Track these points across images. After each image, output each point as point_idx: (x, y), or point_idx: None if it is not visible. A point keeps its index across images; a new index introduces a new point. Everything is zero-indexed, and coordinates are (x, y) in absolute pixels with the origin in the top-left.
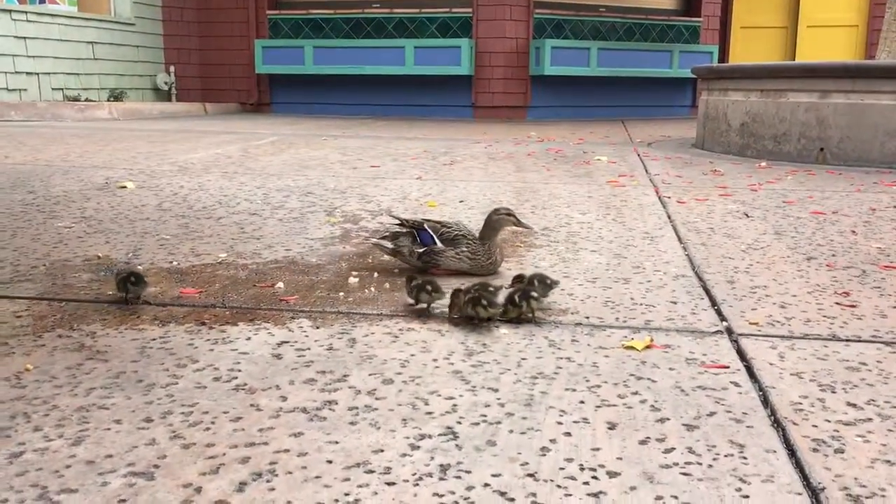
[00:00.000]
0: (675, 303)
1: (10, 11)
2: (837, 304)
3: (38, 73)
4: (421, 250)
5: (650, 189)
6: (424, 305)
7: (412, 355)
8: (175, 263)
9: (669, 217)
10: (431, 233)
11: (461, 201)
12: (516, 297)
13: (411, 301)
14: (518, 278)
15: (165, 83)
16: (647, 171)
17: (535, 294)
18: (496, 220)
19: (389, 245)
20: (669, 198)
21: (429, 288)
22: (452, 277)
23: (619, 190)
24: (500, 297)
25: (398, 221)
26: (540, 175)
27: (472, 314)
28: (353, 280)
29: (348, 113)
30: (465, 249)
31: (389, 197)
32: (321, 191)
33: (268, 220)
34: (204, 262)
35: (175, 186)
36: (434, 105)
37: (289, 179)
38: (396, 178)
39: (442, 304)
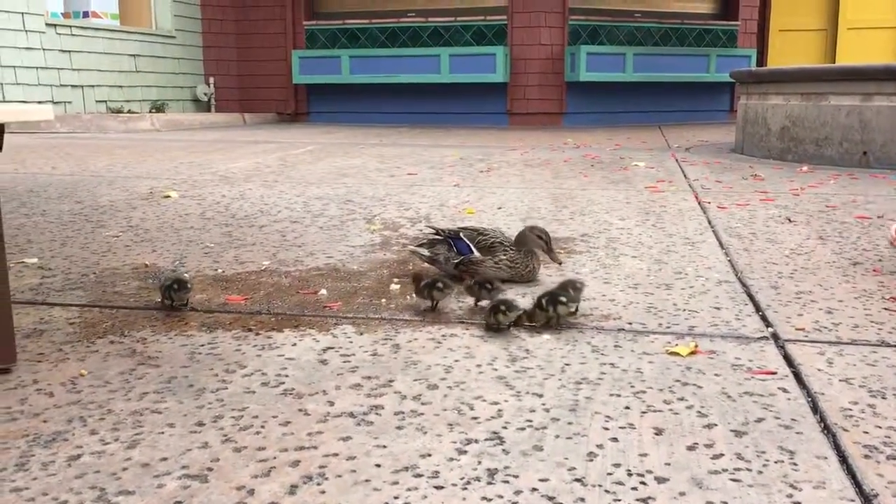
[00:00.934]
0: (718, 308)
1: (55, 26)
2: (886, 309)
3: (82, 86)
4: (457, 260)
5: (689, 194)
6: (430, 303)
7: (456, 361)
8: (220, 271)
9: (710, 222)
10: (468, 241)
11: (499, 208)
12: (544, 302)
13: (426, 303)
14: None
15: (205, 94)
16: (685, 176)
17: (563, 299)
18: (529, 238)
19: (426, 253)
20: (709, 203)
21: (440, 285)
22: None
23: (657, 195)
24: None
25: (434, 230)
26: (577, 181)
27: (493, 322)
28: (394, 287)
29: (385, 121)
30: (503, 258)
31: (427, 204)
32: (360, 199)
33: (309, 228)
34: (248, 270)
35: (217, 195)
36: (470, 113)
37: (328, 188)
38: (434, 186)
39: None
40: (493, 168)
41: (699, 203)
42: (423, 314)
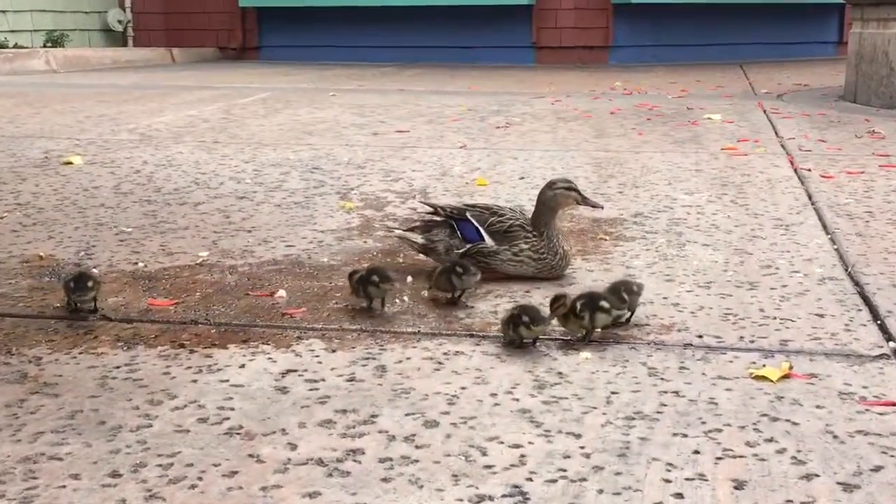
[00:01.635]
0: (821, 315)
1: None
2: None
3: None
4: (462, 249)
5: (782, 159)
6: (365, 304)
7: (463, 388)
8: (141, 265)
9: (810, 197)
10: (477, 224)
11: (521, 178)
12: (579, 306)
13: (363, 302)
14: (558, 300)
15: (119, 22)
16: (777, 133)
17: (605, 304)
18: (552, 198)
19: (420, 240)
20: (810, 171)
21: (375, 279)
22: (507, 282)
23: (738, 161)
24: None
25: (432, 209)
26: (628, 141)
27: (514, 337)
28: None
29: (365, 59)
30: (525, 247)
31: (424, 173)
32: (331, 165)
33: (261, 206)
34: (179, 264)
35: (137, 162)
36: (482, 47)
37: (287, 151)
38: (433, 148)
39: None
40: (514, 123)
41: (795, 171)
42: (417, 324)
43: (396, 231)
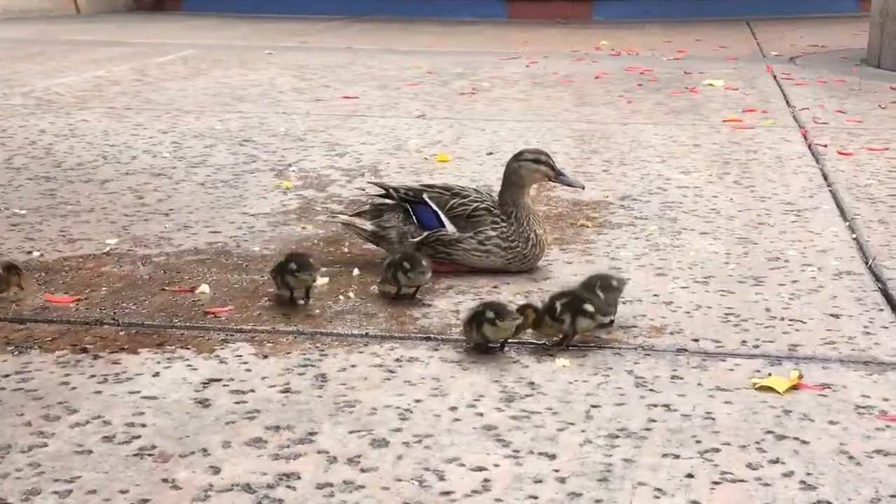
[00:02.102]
0: (836, 316)
1: None
2: None
3: None
4: (419, 237)
5: (794, 132)
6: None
7: (417, 401)
8: (36, 255)
9: (826, 178)
10: (435, 207)
11: (489, 153)
12: (559, 307)
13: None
14: (526, 309)
15: None
16: (788, 103)
17: (589, 307)
18: (515, 170)
19: (369, 226)
20: (826, 146)
21: (293, 266)
22: (472, 276)
23: (743, 134)
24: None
25: (383, 190)
26: (616, 111)
27: (478, 339)
28: (320, 281)
29: (307, 10)
30: (492, 234)
31: (374, 147)
32: (266, 137)
33: (182, 185)
34: (82, 253)
35: (32, 131)
36: None
37: (213, 119)
38: (386, 117)
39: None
40: (482, 88)
41: (809, 146)
42: (364, 326)
43: (341, 216)
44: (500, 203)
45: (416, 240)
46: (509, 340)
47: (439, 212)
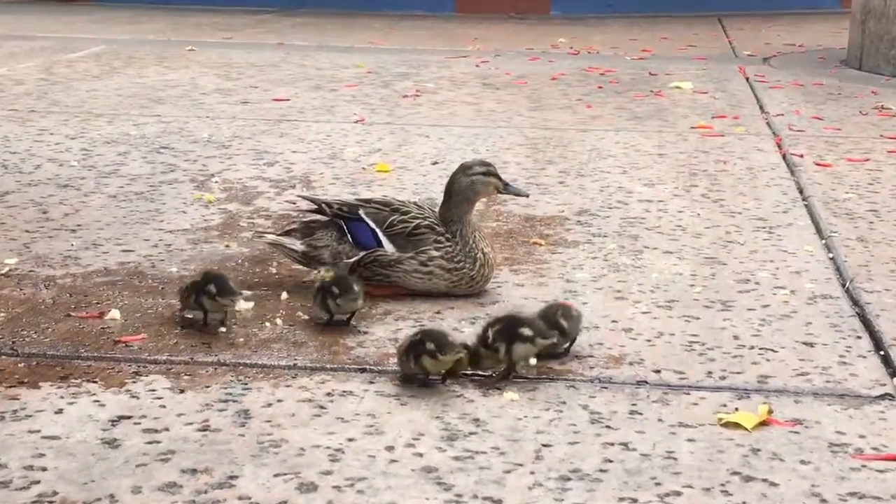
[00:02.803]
0: (810, 344)
1: None
2: None
3: None
4: (355, 258)
5: (768, 141)
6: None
7: (350, 440)
8: None
9: (801, 191)
10: (373, 224)
11: (434, 163)
12: (491, 334)
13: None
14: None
15: None
16: (762, 108)
17: (527, 331)
18: (468, 186)
19: (299, 246)
20: (802, 157)
21: (211, 290)
22: (412, 300)
23: (712, 143)
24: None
25: (315, 204)
26: (574, 116)
27: (416, 371)
28: (244, 305)
29: (232, 3)
30: (435, 255)
31: (307, 156)
32: (186, 144)
33: (91, 198)
34: None
35: None
36: None
37: (128, 123)
38: (320, 122)
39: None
40: (427, 91)
41: (784, 156)
42: (292, 356)
43: (268, 235)
44: (443, 220)
45: (351, 260)
46: (449, 375)
47: (377, 229)
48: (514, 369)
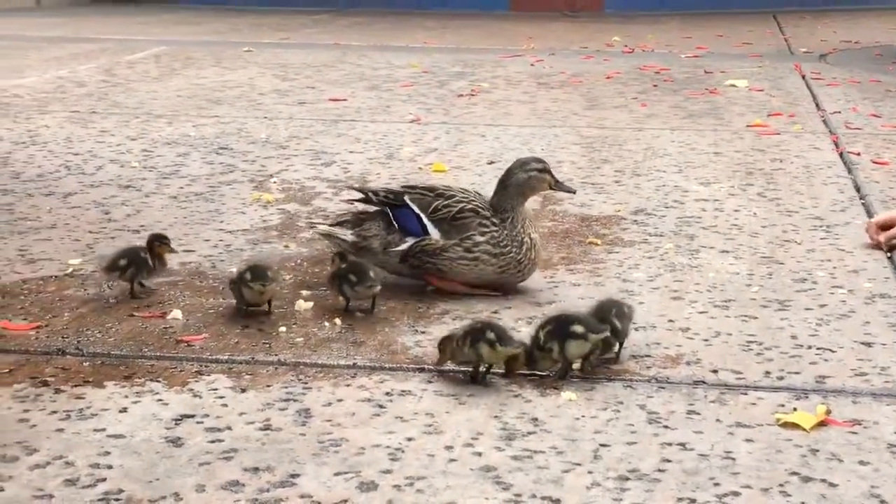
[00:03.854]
0: (869, 344)
1: None
2: None
3: None
4: (403, 247)
5: (824, 139)
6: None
7: (410, 439)
8: None
9: (859, 189)
10: (417, 210)
11: (490, 162)
12: (542, 336)
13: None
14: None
15: None
16: (818, 106)
17: (578, 329)
18: (525, 181)
19: (349, 236)
20: (859, 155)
21: (247, 277)
22: (469, 301)
23: (768, 141)
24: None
25: (362, 194)
26: (629, 115)
27: (469, 358)
28: (303, 305)
29: (288, 4)
30: (481, 239)
31: (364, 155)
32: (244, 145)
33: (152, 199)
34: (42, 274)
35: None
36: None
37: (187, 124)
38: (376, 122)
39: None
40: (483, 90)
41: (840, 155)
42: (351, 355)
43: (320, 226)
44: (495, 208)
45: (399, 249)
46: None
47: (422, 215)
48: (571, 368)
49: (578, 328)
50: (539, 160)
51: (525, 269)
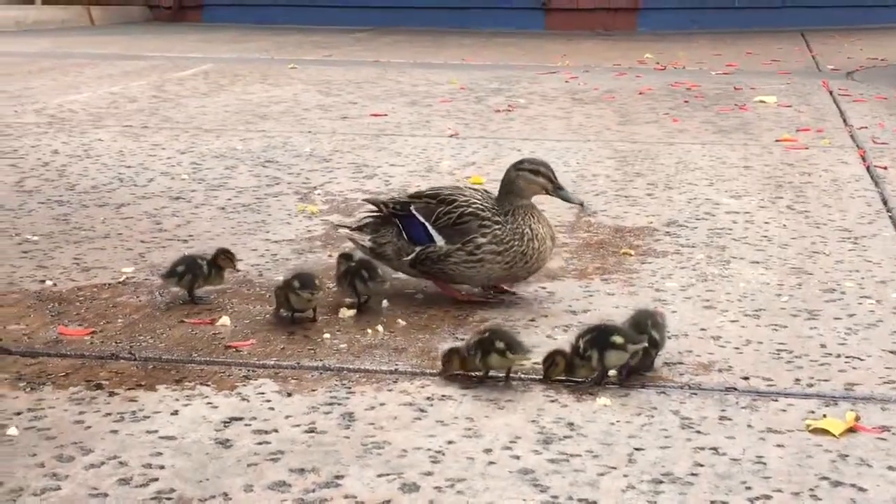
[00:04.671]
0: None
1: None
2: None
3: None
4: (411, 254)
5: (852, 153)
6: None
7: (450, 442)
8: (49, 284)
9: (886, 202)
10: (422, 219)
11: None
12: (582, 345)
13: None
14: (551, 358)
15: None
16: (845, 121)
17: (619, 339)
18: (512, 180)
19: (367, 241)
20: (886, 169)
21: (295, 285)
22: (506, 309)
23: (797, 155)
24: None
25: (374, 205)
26: (661, 129)
27: (479, 368)
28: (346, 313)
29: (332, 22)
30: (482, 241)
31: (404, 169)
32: (289, 158)
33: (201, 210)
34: (97, 282)
35: (45, 151)
36: (478, 8)
37: (234, 138)
38: (416, 136)
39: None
40: (519, 105)
41: (868, 169)
42: (393, 361)
43: (342, 229)
44: (500, 209)
45: (408, 259)
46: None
47: (426, 223)
48: (607, 375)
49: (618, 339)
50: (535, 162)
51: (531, 261)
